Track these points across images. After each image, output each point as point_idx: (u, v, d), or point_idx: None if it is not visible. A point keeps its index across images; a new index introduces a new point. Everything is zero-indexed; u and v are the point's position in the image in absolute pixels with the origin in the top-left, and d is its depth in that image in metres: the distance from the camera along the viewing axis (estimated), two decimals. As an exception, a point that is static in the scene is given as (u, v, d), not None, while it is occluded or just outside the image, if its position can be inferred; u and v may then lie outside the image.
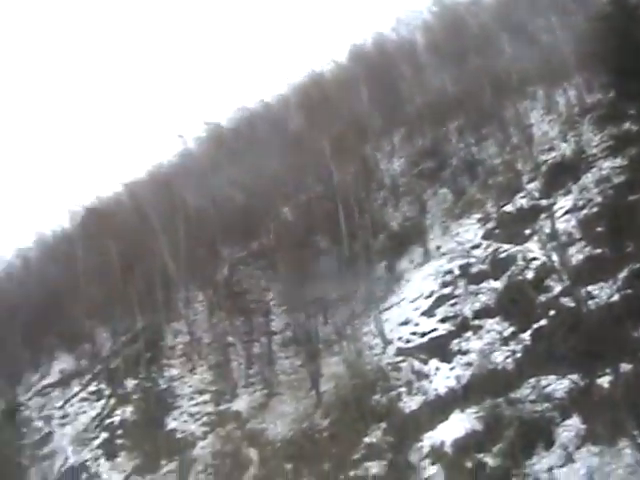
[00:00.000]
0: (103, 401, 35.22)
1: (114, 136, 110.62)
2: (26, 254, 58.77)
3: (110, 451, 32.00)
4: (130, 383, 34.77)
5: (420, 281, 29.52)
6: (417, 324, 27.53)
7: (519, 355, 22.49)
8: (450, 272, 28.24)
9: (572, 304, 21.50)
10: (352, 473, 22.95)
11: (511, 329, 23.82)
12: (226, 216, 39.48)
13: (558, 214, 26.75)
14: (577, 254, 23.97)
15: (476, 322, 25.44)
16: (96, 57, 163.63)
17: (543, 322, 22.68)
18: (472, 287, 26.75)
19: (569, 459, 17.25)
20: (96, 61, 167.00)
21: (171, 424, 31.69)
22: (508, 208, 29.57)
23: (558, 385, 19.56)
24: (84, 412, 35.44)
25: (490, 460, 19.28)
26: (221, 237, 39.64)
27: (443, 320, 26.66)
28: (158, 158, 55.83)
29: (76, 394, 37.32)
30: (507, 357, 22.93)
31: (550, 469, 17.47)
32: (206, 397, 32.25)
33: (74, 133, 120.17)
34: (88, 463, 31.90)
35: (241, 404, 30.68)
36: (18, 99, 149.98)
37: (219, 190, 40.52)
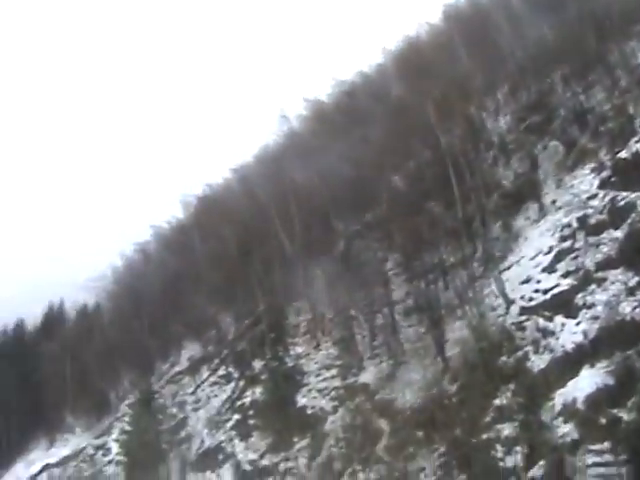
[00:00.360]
0: (233, 384, 47.39)
1: (218, 123, 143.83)
2: (145, 247, 74.99)
3: (243, 432, 43.53)
4: (257, 364, 46.41)
5: (538, 237, 36.00)
6: (539, 281, 33.66)
7: (646, 305, 28.28)
8: (568, 225, 34.15)
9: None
10: (484, 436, 29.07)
11: (636, 279, 28.53)
12: (337, 191, 50.25)
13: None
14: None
15: (599, 274, 30.55)
16: (195, 46, 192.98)
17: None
18: (592, 239, 32.13)
19: None
20: (197, 49, 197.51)
21: (301, 401, 42.34)
22: (623, 154, 34.13)
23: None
24: (215, 396, 48.06)
25: (625, 415, 23.36)
26: (334, 212, 50.27)
27: (565, 275, 32.41)
28: (263, 140, 68.02)
29: (206, 379, 50.60)
30: (634, 308, 27.58)
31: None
32: (333, 372, 42.28)
33: (180, 124, 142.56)
34: (223, 444, 43.95)
35: (368, 376, 39.92)
36: (126, 94, 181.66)
37: (327, 166, 50.97)
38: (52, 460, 65.92)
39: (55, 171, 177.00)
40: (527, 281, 33.99)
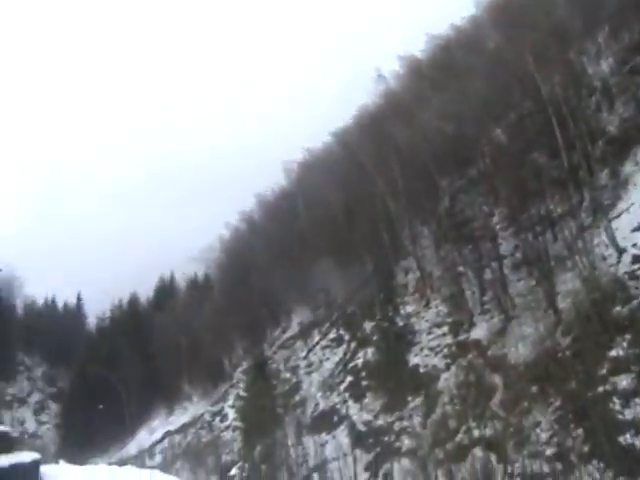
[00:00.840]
0: (344, 346, 49.85)
1: (316, 87, 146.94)
2: (250, 216, 78.90)
3: (357, 393, 45.82)
4: (368, 325, 48.58)
5: (648, 183, 36.42)
6: (651, 228, 34.70)
7: None
8: (679, 168, 34.46)
9: None
10: (600, 389, 29.31)
11: None
12: (438, 147, 51.11)
13: None
14: None
15: None
16: (291, 7, 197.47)
17: None
18: None
19: None
20: (292, 10, 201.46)
21: (413, 360, 44.01)
22: None
23: None
24: (327, 359, 50.67)
25: None
26: (437, 169, 51.42)
27: (678, 219, 33.21)
28: (361, 102, 69.52)
29: (317, 343, 53.34)
30: None
31: None
32: (444, 329, 43.81)
33: (280, 90, 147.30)
34: (337, 406, 46.29)
35: (479, 332, 41.14)
36: (226, 59, 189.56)
37: (427, 123, 51.91)
38: (172, 427, 71.53)
39: (159, 145, 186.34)
40: (638, 228, 33.81)
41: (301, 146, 74.75)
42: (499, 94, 47.38)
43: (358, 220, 52.99)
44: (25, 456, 23.65)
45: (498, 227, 44.51)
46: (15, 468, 19.83)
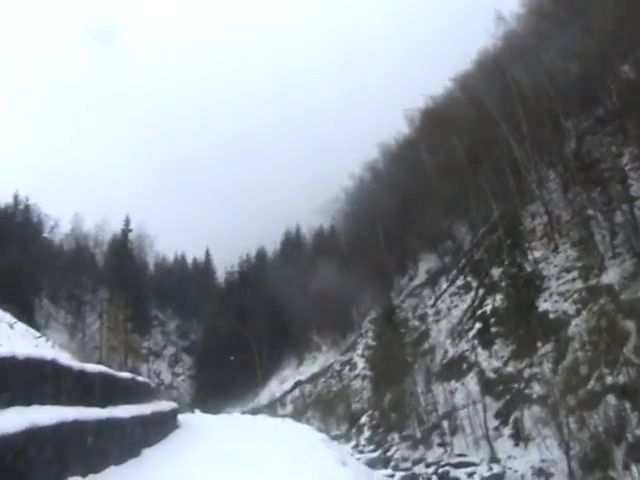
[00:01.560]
0: (472, 293, 51.63)
1: (434, 32, 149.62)
2: (374, 166, 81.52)
3: (486, 340, 47.54)
4: (496, 272, 50.18)
5: None
6: None
7: None
8: None
9: None
10: None
11: None
12: (563, 88, 51.18)
13: None
14: None
15: None
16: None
17: None
18: None
19: None
20: None
21: (542, 306, 45.09)
22: None
23: None
24: (455, 306, 52.58)
25: None
26: (562, 110, 51.46)
27: None
28: (481, 45, 69.72)
29: (445, 290, 55.34)
30: None
31: None
32: (574, 274, 44.73)
33: (396, 37, 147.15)
34: (466, 354, 47.98)
35: (611, 276, 41.71)
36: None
37: (551, 63, 52.02)
38: (302, 377, 75.89)
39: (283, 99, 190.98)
40: None
41: (422, 93, 76.40)
42: (625, 28, 46.64)
43: (483, 165, 54.33)
44: (164, 405, 25.99)
45: (628, 168, 44.32)
46: (155, 416, 22.35)
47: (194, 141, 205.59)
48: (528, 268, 47.52)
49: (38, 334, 34.68)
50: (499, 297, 48.48)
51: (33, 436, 10.30)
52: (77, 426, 12.74)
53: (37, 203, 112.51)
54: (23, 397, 10.90)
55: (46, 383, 12.37)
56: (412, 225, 62.94)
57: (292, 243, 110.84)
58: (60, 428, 11.68)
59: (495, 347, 45.82)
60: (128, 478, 14.25)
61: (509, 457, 34.26)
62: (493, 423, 37.78)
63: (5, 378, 10.39)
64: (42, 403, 11.61)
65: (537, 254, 48.07)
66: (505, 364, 43.96)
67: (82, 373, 14.98)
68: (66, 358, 15.63)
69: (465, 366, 47.06)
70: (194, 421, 29.85)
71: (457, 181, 58.04)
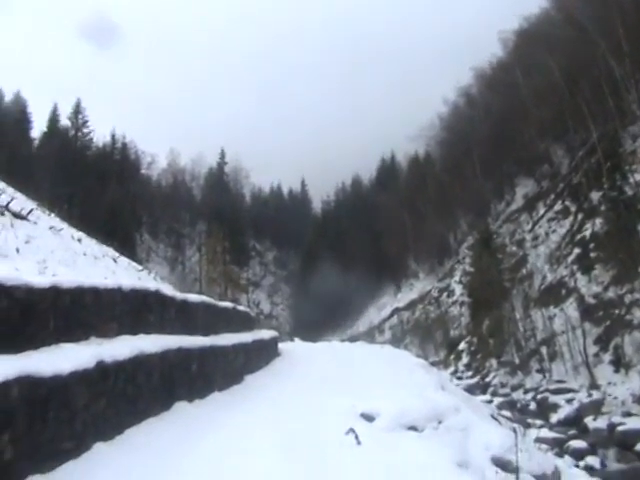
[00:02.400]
0: (570, 218, 50.55)
1: None
2: (468, 91, 79.86)
3: (585, 265, 46.67)
4: (595, 195, 48.80)
5: None
6: None
7: None
8: None
9: None
10: None
11: None
12: None
13: None
14: None
15: None
16: None
17: None
18: None
19: None
20: None
21: (643, 230, 43.76)
22: None
23: None
24: (554, 231, 51.67)
25: None
26: None
27: None
28: None
29: (543, 215, 54.38)
30: None
31: None
32: (681, 196, 43.10)
33: None
34: (565, 279, 47.26)
35: None
36: None
37: None
38: (400, 304, 76.70)
39: (374, 25, 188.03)
40: None
41: (517, 14, 73.92)
42: None
43: (581, 86, 52.36)
44: (264, 334, 26.69)
45: None
46: (257, 344, 22.98)
47: (287, 70, 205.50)
48: (629, 191, 46.20)
49: (140, 267, 35.94)
50: (599, 221, 47.17)
51: (141, 363, 10.83)
52: (182, 353, 13.31)
53: (134, 141, 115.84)
54: (129, 327, 11.44)
55: (151, 313, 12.92)
56: (508, 150, 61.68)
57: (387, 170, 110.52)
58: (166, 355, 12.23)
59: (595, 272, 44.90)
60: (231, 403, 14.82)
61: (609, 384, 33.83)
62: (593, 349, 37.29)
63: (112, 309, 10.90)
64: (147, 332, 12.17)
65: (638, 177, 46.64)
66: (605, 289, 42.82)
67: (185, 303, 15.54)
68: (168, 289, 16.19)
69: (564, 292, 46.47)
70: (294, 349, 30.65)
71: (554, 103, 56.08)
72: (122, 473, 8.26)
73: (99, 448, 8.75)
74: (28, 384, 7.17)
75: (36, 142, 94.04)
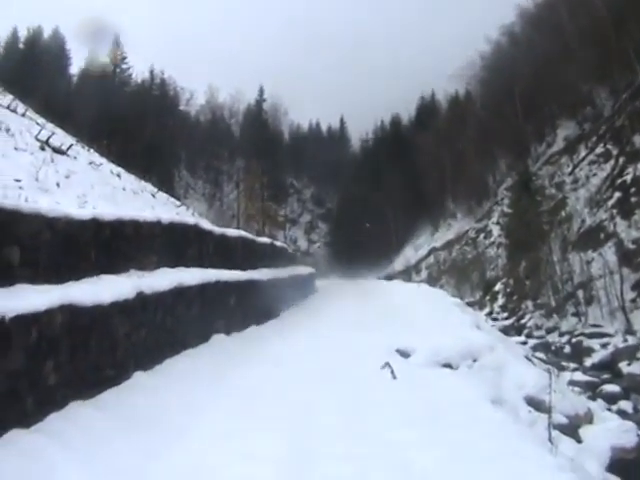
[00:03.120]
0: (612, 161, 49.61)
1: None
2: (511, 30, 78.39)
3: (625, 209, 45.89)
4: (638, 139, 47.65)
5: None
6: None
7: None
8: None
9: None
10: None
11: None
12: None
13: None
14: None
15: None
16: None
17: None
18: None
19: None
20: None
21: (684, 174, 42.99)
22: None
23: None
24: (594, 174, 50.82)
25: None
26: None
27: None
28: None
29: (584, 158, 53.47)
30: None
31: None
32: None
33: None
34: (604, 223, 46.62)
35: None
36: None
37: None
38: (437, 244, 76.46)
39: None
40: None
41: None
42: None
43: (628, 27, 50.60)
44: (301, 270, 26.95)
45: None
46: (293, 280, 23.20)
47: (328, 6, 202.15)
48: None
49: (178, 203, 36.20)
50: (641, 166, 46.47)
51: (180, 295, 10.99)
52: (220, 287, 13.48)
53: (172, 76, 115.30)
54: (168, 260, 11.57)
55: (189, 247, 13.05)
56: (550, 91, 59.95)
57: (427, 109, 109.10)
58: (204, 288, 12.40)
59: (635, 217, 43.93)
60: (268, 337, 15.02)
61: (645, 329, 33.74)
62: (630, 295, 36.81)
63: (152, 242, 11.01)
64: (186, 265, 12.31)
65: (684, 120, 45.69)
66: (645, 234, 42.92)
67: (223, 237, 15.66)
68: (207, 224, 16.32)
69: (602, 236, 45.78)
70: (330, 286, 31.00)
71: (599, 44, 54.21)
72: (160, 401, 8.44)
73: (139, 377, 8.95)
74: (71, 313, 7.31)
75: (75, 79, 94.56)
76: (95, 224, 8.83)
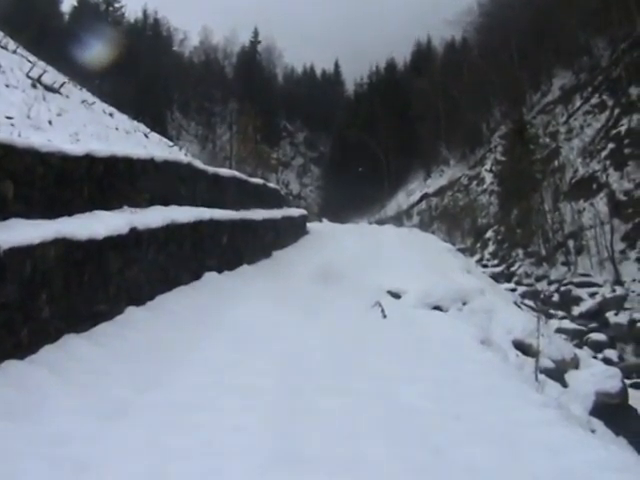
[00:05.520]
0: (607, 112, 49.56)
1: None
2: (510, -24, 76.80)
3: (618, 161, 45.97)
4: (634, 91, 47.59)
5: None
6: None
7: None
8: None
9: None
10: None
11: None
12: None
13: None
14: None
15: None
16: None
17: None
18: None
19: None
20: None
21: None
22: None
23: None
24: (589, 125, 50.76)
25: None
26: None
27: None
28: None
29: (579, 108, 53.36)
30: None
31: None
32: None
33: None
34: (597, 174, 46.71)
35: None
36: None
37: None
38: (429, 190, 76.57)
39: None
40: None
41: None
42: None
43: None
44: (293, 211, 26.89)
45: None
46: (286, 221, 23.19)
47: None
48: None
49: (171, 143, 35.97)
50: (636, 117, 46.00)
51: (173, 232, 11.01)
52: (213, 225, 13.51)
53: (166, 17, 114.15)
54: (161, 198, 11.56)
55: (183, 185, 13.02)
56: (547, 39, 59.46)
57: (422, 55, 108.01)
58: (197, 226, 12.42)
59: (628, 169, 44.21)
60: (259, 276, 15.11)
61: (633, 280, 34.05)
62: (620, 246, 37.30)
63: (145, 179, 10.99)
64: (179, 204, 12.30)
65: (680, 72, 45.48)
66: (637, 187, 42.34)
67: (216, 177, 15.63)
68: (200, 164, 16.27)
69: (595, 186, 45.93)
70: (322, 229, 30.96)
71: (599, -8, 53.84)
72: (153, 335, 8.53)
73: (131, 312, 9.02)
74: (64, 246, 7.33)
75: (67, 17, 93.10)
76: (89, 160, 8.80)
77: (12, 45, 26.24)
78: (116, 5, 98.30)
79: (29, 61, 24.55)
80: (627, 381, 15.80)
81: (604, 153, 47.07)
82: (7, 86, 17.92)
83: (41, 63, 25.83)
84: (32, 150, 7.46)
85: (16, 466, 4.83)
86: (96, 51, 63.53)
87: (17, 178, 7.07)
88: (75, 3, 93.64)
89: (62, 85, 23.16)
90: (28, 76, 20.73)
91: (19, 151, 7.15)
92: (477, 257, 49.55)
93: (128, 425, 5.84)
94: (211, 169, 15.73)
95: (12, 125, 13.21)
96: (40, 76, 21.22)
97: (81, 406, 6.00)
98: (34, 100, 16.68)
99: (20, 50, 26.70)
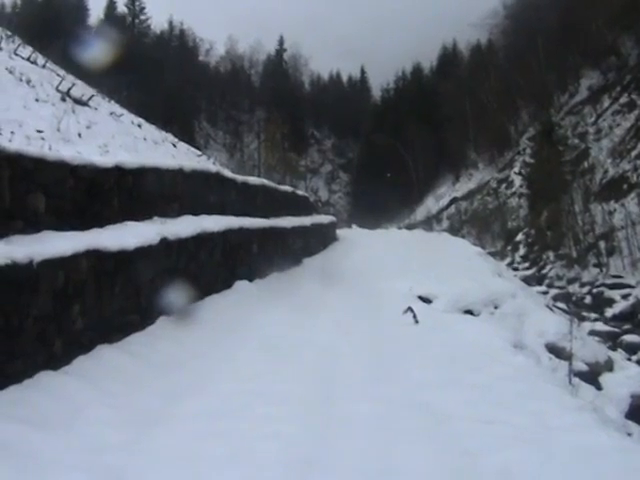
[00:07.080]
0: (636, 111, 49.08)
1: None
2: (535, -23, 76.27)
3: None
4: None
5: None
6: None
7: None
8: None
9: None
10: None
11: None
12: None
13: None
14: None
15: None
16: None
17: None
18: None
19: None
20: None
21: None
22: None
23: None
24: (618, 125, 50.23)
25: None
26: None
27: None
28: None
29: (607, 108, 52.73)
30: None
31: None
32: None
33: None
34: (627, 174, 46.14)
35: None
36: None
37: None
38: (458, 194, 76.10)
39: None
40: None
41: None
42: None
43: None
44: (323, 218, 26.96)
45: None
46: (315, 228, 23.20)
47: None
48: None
49: (199, 153, 36.17)
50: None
51: (203, 241, 11.07)
52: (243, 233, 13.56)
53: (191, 27, 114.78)
54: (191, 207, 11.61)
55: (212, 194, 13.07)
56: (574, 40, 58.66)
57: (449, 59, 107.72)
58: (227, 235, 12.47)
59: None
60: (291, 284, 15.12)
61: (666, 280, 33.65)
62: (654, 243, 36.94)
63: (174, 189, 11.06)
64: (208, 213, 12.35)
65: None
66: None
67: (245, 185, 15.68)
68: (229, 172, 16.34)
69: (625, 186, 45.39)
70: (352, 235, 30.97)
71: (628, -10, 53.28)
72: (182, 345, 8.57)
73: (163, 321, 9.06)
74: (96, 257, 7.39)
75: (93, 30, 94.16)
76: (118, 171, 8.88)
77: (41, 60, 26.61)
78: (142, 17, 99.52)
79: (58, 75, 24.91)
80: (663, 383, 15.55)
81: (634, 153, 46.50)
82: (37, 100, 18.19)
83: (70, 77, 26.16)
84: (63, 163, 7.56)
85: (55, 476, 4.87)
86: (123, 63, 64.11)
87: (48, 191, 7.16)
88: (102, 16, 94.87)
89: (90, 98, 23.44)
90: (57, 90, 21.02)
91: (50, 164, 7.24)
92: (508, 260, 49.06)
93: (163, 434, 5.88)
94: (240, 178, 15.79)
95: (42, 139, 13.39)
96: (69, 89, 21.49)
97: (116, 415, 6.05)
98: (63, 113, 16.90)
99: (49, 64, 27.08)
